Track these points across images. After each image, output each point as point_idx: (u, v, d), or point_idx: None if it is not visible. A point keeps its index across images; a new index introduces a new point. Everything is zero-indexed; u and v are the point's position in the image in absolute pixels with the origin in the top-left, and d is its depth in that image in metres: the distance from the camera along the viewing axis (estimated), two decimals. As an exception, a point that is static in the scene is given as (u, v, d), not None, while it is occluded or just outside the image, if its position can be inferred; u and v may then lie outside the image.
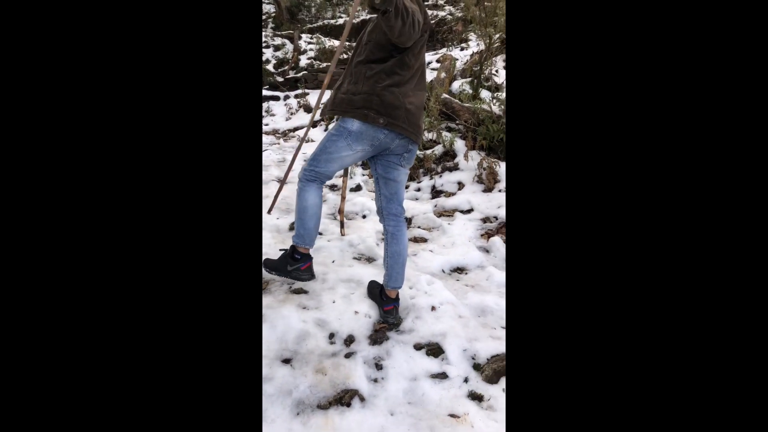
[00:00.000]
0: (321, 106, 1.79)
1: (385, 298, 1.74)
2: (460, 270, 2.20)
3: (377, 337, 1.65)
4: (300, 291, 1.87)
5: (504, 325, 1.78)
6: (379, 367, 1.51)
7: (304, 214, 1.69)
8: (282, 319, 1.65)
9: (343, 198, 2.22)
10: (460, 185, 3.02)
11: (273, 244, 2.30)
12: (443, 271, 2.18)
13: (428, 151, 3.35)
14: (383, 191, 1.71)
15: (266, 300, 1.79)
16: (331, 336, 1.64)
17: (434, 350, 1.60)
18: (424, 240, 2.48)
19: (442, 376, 1.49)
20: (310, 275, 1.85)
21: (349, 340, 1.63)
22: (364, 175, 3.52)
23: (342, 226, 2.37)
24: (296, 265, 1.78)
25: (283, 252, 1.84)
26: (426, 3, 10.08)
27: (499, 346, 1.61)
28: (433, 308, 1.79)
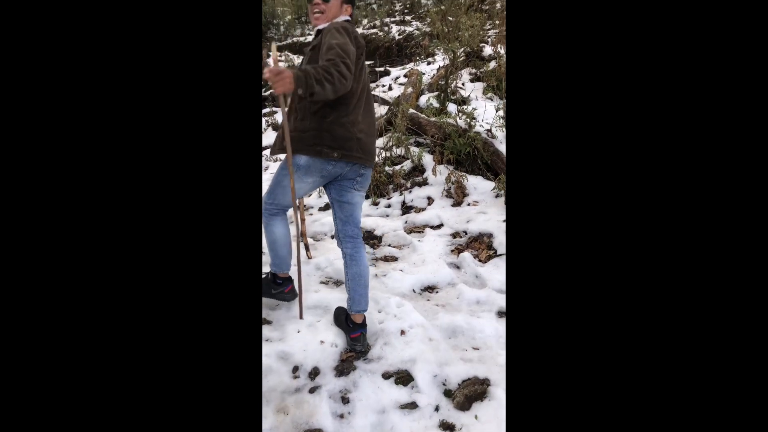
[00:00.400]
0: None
1: (351, 325, 1.68)
2: (430, 289, 2.16)
3: (344, 367, 1.58)
4: (264, 321, 1.78)
5: (475, 345, 1.73)
6: (345, 400, 1.44)
7: (275, 245, 1.75)
8: (242, 355, 1.56)
9: (302, 221, 2.15)
10: (430, 200, 3.00)
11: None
12: (414, 290, 2.13)
13: (397, 167, 3.32)
14: (339, 214, 1.68)
15: (227, 334, 1.70)
16: (295, 369, 1.55)
17: (404, 378, 1.54)
18: (394, 259, 2.43)
19: (412, 406, 1.43)
20: (294, 294, 1.89)
21: (314, 372, 1.55)
22: (333, 193, 3.46)
23: (307, 249, 2.30)
24: (279, 289, 1.85)
25: (264, 276, 1.87)
26: (393, 19, 10.21)
27: (470, 369, 1.57)
28: (402, 332, 1.73)
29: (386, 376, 1.54)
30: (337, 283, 2.14)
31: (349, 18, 1.58)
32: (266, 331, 1.72)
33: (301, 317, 1.80)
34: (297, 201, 1.64)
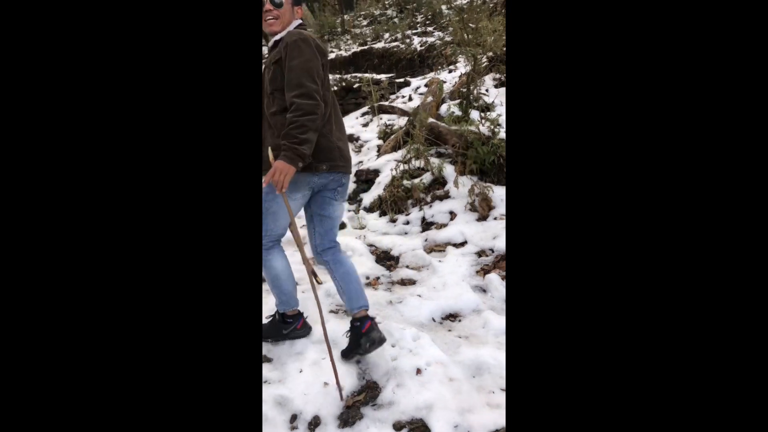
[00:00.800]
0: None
1: (358, 323, 1.53)
2: (452, 317, 1.92)
3: (349, 415, 1.37)
4: (263, 359, 1.61)
5: (504, 386, 1.48)
6: (348, 459, 1.23)
7: (278, 281, 1.63)
8: (236, 400, 1.38)
9: (301, 247, 1.89)
10: (452, 215, 2.77)
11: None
12: (433, 319, 1.90)
13: (416, 180, 3.12)
14: (318, 229, 1.62)
15: (223, 374, 1.53)
16: (293, 419, 1.36)
17: (418, 429, 1.31)
18: (412, 282, 2.21)
19: (427, 466, 1.20)
20: (307, 329, 1.74)
21: (315, 422, 1.35)
22: (350, 210, 3.29)
23: (314, 274, 2.13)
24: (290, 327, 1.69)
25: (270, 318, 1.73)
26: (415, 31, 10.14)
27: (498, 418, 1.32)
28: (418, 371, 1.50)
29: (398, 426, 1.32)
30: (348, 312, 1.94)
31: (301, 21, 1.54)
32: (265, 371, 1.54)
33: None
34: (292, 222, 1.48)
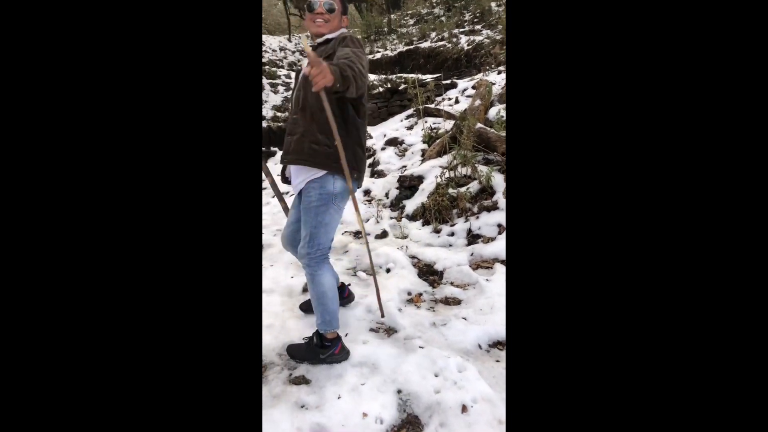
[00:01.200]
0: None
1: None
2: (501, 345, 1.77)
3: (388, 454, 1.27)
4: (300, 381, 1.55)
5: None
6: (387, 506, 1.13)
7: (324, 299, 1.57)
8: (271, 425, 1.32)
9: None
10: (501, 228, 2.60)
11: (281, 311, 2.01)
12: (479, 346, 1.76)
13: (462, 189, 2.97)
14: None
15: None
16: (330, 452, 1.28)
17: (464, 477, 1.19)
18: (457, 302, 2.08)
19: None
20: (346, 353, 1.65)
21: (352, 459, 1.26)
22: (392, 218, 3.20)
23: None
24: (328, 352, 1.61)
25: (307, 340, 1.67)
26: (462, 30, 9.88)
27: (556, 473, 1.17)
28: (464, 408, 1.38)
29: (442, 472, 1.21)
30: (390, 332, 1.85)
31: (346, 29, 1.58)
32: (303, 393, 1.47)
33: (382, 315, 1.85)
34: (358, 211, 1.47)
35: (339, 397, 1.45)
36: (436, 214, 2.87)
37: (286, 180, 1.70)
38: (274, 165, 5.04)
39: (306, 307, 1.99)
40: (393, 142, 4.51)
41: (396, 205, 3.37)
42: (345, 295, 1.99)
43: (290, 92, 1.66)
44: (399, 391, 1.48)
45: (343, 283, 2.00)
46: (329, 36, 1.52)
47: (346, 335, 1.81)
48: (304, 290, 2.23)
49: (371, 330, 1.87)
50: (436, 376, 1.54)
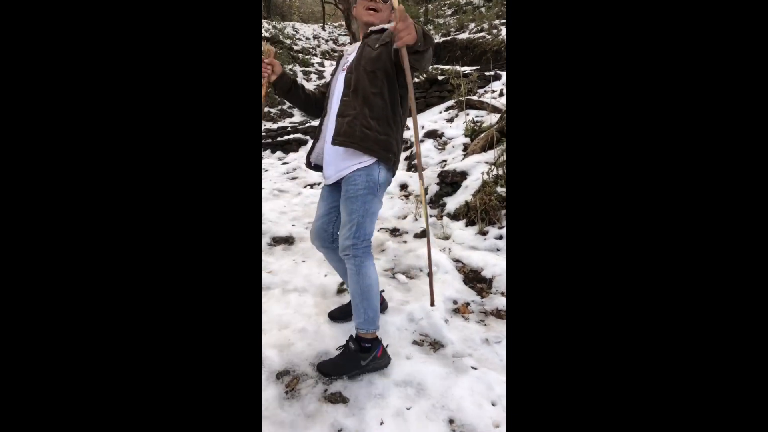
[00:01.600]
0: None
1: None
2: (565, 370, 1.54)
3: (443, 502, 1.07)
4: (337, 399, 1.36)
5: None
6: None
7: (370, 293, 1.43)
8: (305, 453, 1.14)
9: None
10: (556, 234, 2.35)
11: (315, 314, 1.84)
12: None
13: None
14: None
15: (292, 410, 1.31)
16: (373, 493, 1.09)
17: None
18: (509, 315, 1.85)
19: None
20: (388, 358, 1.50)
21: (400, 504, 1.07)
22: (432, 216, 2.97)
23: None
24: (370, 356, 1.44)
25: (342, 349, 1.49)
26: (503, 21, 9.51)
27: None
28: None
29: None
30: (435, 345, 1.64)
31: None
32: (341, 415, 1.29)
33: (432, 304, 1.55)
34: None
35: (382, 423, 1.26)
36: (482, 214, 2.63)
37: (310, 165, 1.61)
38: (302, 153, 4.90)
39: (337, 315, 1.79)
40: (432, 134, 4.27)
41: (436, 202, 3.15)
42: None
43: (324, 79, 1.53)
44: (451, 421, 1.28)
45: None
46: (385, 26, 1.49)
47: (387, 346, 1.61)
48: (339, 291, 2.05)
49: (414, 342, 1.66)
50: (494, 405, 1.32)
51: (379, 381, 1.42)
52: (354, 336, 1.47)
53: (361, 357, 1.43)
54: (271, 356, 1.53)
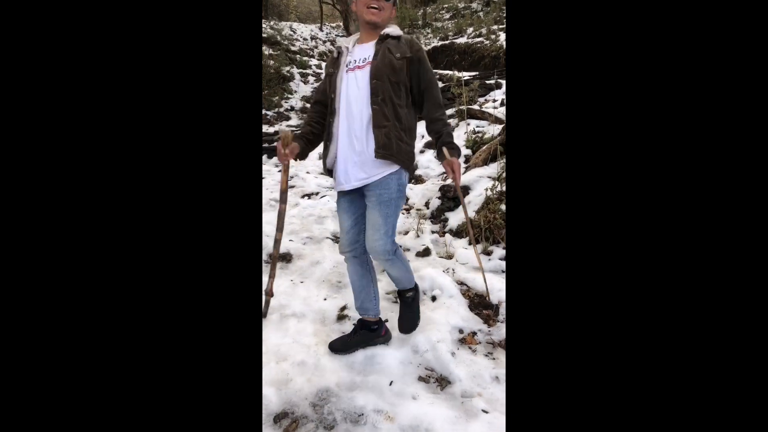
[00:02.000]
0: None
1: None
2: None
3: None
4: (340, 447, 1.27)
5: None
6: None
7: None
8: None
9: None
10: (563, 256, 2.27)
11: (315, 345, 1.74)
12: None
13: (516, 206, 2.65)
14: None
15: (290, 460, 1.21)
16: None
17: None
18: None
19: None
20: (389, 334, 1.77)
21: None
22: (434, 232, 2.89)
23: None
24: (375, 334, 1.72)
25: (352, 333, 1.73)
26: (502, 26, 9.46)
27: None
28: None
29: None
30: (442, 382, 1.56)
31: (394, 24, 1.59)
32: (343, 467, 1.19)
33: (487, 297, 1.64)
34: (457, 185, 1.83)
35: (389, 477, 1.17)
36: (486, 233, 2.55)
37: (328, 171, 1.63)
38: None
39: (338, 347, 1.70)
40: (432, 144, 4.19)
41: (437, 217, 3.06)
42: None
43: (322, 79, 1.64)
44: (463, 475, 1.19)
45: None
46: (390, 32, 1.50)
47: (391, 384, 1.53)
48: (339, 318, 1.96)
49: (420, 379, 1.58)
50: (508, 456, 1.24)
51: (384, 426, 1.33)
52: (360, 320, 1.72)
53: (370, 337, 1.70)
54: (269, 395, 1.44)
